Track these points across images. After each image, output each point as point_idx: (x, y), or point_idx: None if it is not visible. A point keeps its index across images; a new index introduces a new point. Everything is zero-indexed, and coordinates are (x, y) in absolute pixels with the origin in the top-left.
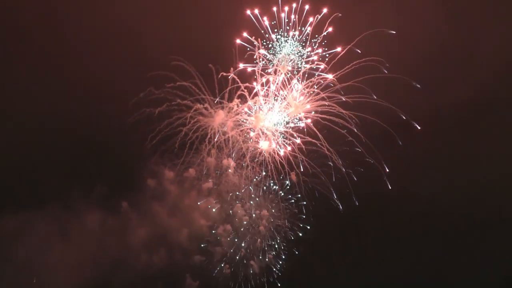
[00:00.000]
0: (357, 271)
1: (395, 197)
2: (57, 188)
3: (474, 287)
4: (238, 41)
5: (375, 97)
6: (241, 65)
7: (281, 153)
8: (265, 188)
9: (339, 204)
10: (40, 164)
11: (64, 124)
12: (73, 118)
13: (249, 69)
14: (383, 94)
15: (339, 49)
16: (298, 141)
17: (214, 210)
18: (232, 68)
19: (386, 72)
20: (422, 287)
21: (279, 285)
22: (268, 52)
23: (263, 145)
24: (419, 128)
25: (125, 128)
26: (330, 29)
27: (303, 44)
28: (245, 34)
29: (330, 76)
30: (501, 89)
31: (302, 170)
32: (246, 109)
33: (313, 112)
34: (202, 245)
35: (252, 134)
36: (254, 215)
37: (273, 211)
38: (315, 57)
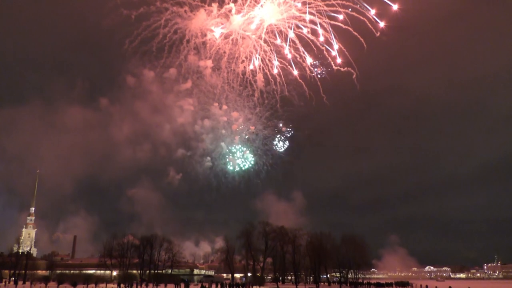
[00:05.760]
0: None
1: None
2: (38, 84)
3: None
4: None
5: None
6: None
7: (257, 57)
8: (240, 91)
9: (313, 104)
10: (20, 60)
11: (43, 23)
12: (53, 19)
13: None
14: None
15: None
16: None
17: (193, 108)
18: None
19: None
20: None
21: (257, 181)
22: None
23: (244, 44)
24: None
25: (103, 28)
26: None
27: None
28: None
29: None
30: None
31: (277, 72)
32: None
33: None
34: (184, 140)
35: (230, 37)
36: (228, 117)
37: (248, 113)
38: None
